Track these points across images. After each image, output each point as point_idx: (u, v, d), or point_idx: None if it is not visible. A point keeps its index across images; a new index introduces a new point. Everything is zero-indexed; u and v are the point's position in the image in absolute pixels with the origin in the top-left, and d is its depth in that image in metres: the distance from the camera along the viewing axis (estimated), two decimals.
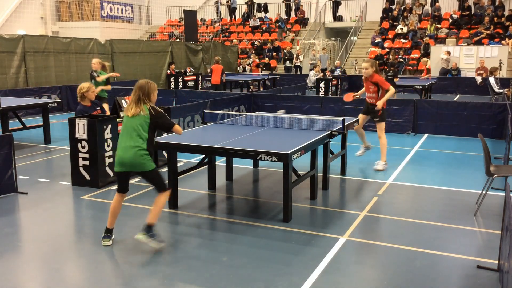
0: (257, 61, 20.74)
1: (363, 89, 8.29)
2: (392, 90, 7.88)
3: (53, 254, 4.78)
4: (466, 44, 22.53)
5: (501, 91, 15.66)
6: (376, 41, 24.98)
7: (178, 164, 7.02)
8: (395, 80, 15.38)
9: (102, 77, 10.51)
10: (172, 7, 31.21)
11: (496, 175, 5.79)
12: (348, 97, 8.44)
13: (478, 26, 23.67)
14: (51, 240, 5.13)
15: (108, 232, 5.02)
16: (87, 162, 6.89)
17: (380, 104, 7.84)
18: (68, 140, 7.10)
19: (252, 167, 8.08)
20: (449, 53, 21.44)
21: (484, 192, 6.05)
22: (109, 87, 10.64)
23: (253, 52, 23.98)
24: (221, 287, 4.12)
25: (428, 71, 16.36)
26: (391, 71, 15.19)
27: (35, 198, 6.49)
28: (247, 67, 24.75)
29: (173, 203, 6.08)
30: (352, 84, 21.34)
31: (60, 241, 5.12)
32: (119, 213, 5.05)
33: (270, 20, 29.76)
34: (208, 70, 19.27)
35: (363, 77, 8.10)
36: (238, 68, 25.15)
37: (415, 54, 23.68)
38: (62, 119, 13.34)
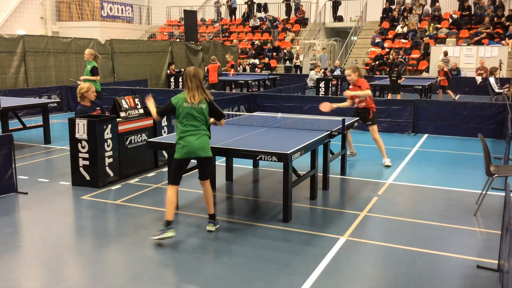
0: (233, 61, 20.48)
1: (347, 102, 8.33)
2: (368, 92, 8.10)
3: (53, 254, 4.78)
4: (466, 44, 22.54)
5: (501, 91, 15.66)
6: (376, 41, 24.99)
7: None
8: (399, 81, 15.36)
9: (83, 77, 10.82)
10: (172, 7, 31.22)
11: (496, 175, 5.79)
12: (326, 106, 7.88)
13: (478, 26, 23.68)
14: (51, 240, 5.13)
15: (168, 224, 5.02)
16: (87, 162, 6.89)
17: (349, 93, 8.08)
18: (68, 140, 7.10)
19: (252, 167, 8.08)
20: (446, 53, 21.44)
21: (484, 192, 6.05)
22: (97, 78, 10.71)
23: (229, 53, 22.89)
24: (221, 287, 4.13)
25: (446, 73, 16.09)
26: (395, 72, 15.16)
27: (35, 198, 6.49)
28: (247, 67, 24.76)
29: None
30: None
31: (60, 241, 5.12)
32: (177, 202, 5.36)
33: (271, 16, 29.73)
34: (205, 70, 19.32)
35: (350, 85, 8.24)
36: (238, 68, 25.16)
37: (415, 54, 23.69)
38: (62, 119, 13.34)
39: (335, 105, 8.12)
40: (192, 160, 5.24)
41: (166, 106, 5.20)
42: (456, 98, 16.21)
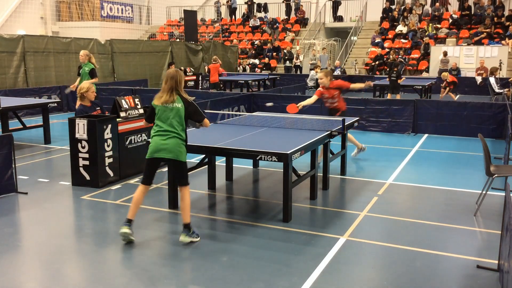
0: (219, 63, 19.71)
1: (310, 99, 8.17)
2: (356, 84, 8.56)
3: (53, 254, 4.78)
4: (466, 44, 22.53)
5: (501, 91, 15.66)
6: (376, 41, 24.99)
7: None
8: (399, 81, 15.36)
9: (73, 86, 10.85)
10: (172, 7, 31.21)
11: (496, 175, 5.79)
12: (293, 108, 7.70)
13: (478, 26, 23.67)
14: (51, 240, 5.13)
15: (129, 222, 5.07)
16: (87, 162, 6.89)
17: (357, 86, 8.73)
18: (68, 140, 7.10)
19: (252, 167, 8.08)
20: (446, 53, 21.44)
21: (484, 192, 6.05)
22: (96, 80, 10.71)
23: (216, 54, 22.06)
24: (221, 287, 4.13)
25: (453, 81, 16.25)
26: (394, 72, 15.15)
27: (35, 198, 6.48)
28: (247, 67, 24.76)
29: (173, 203, 6.09)
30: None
31: (60, 241, 5.12)
32: (141, 204, 5.20)
33: (270, 18, 29.75)
34: (206, 70, 19.32)
35: (320, 87, 8.20)
36: (238, 68, 25.16)
37: (415, 54, 23.68)
38: (62, 119, 13.34)
39: (299, 105, 7.83)
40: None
41: (149, 109, 5.20)
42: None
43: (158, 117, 5.05)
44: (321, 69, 20.90)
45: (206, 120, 5.25)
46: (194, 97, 5.22)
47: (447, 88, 16.51)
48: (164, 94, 5.01)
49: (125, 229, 4.99)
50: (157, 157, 5.04)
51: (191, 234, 5.03)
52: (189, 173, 6.72)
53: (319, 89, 8.22)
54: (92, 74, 10.66)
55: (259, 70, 24.79)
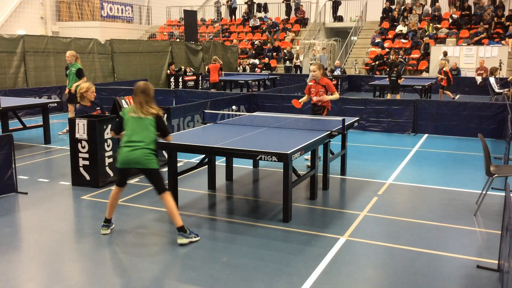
0: (220, 63, 19.42)
1: (306, 96, 8.32)
2: (337, 95, 8.23)
3: (53, 254, 4.78)
4: (466, 44, 22.53)
5: (501, 91, 15.66)
6: (376, 41, 24.99)
7: (178, 164, 7.03)
8: (399, 81, 15.35)
9: (74, 85, 10.43)
10: (172, 7, 31.21)
11: (496, 175, 5.79)
12: (296, 103, 8.33)
13: (478, 26, 23.67)
14: (51, 240, 5.13)
15: (107, 221, 5.30)
16: (87, 162, 6.89)
17: (325, 97, 8.01)
18: (68, 140, 7.10)
19: (252, 167, 8.08)
20: (446, 53, 21.43)
21: (484, 192, 6.05)
22: (84, 79, 10.65)
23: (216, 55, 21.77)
24: (221, 287, 4.13)
25: (447, 73, 15.87)
26: (395, 72, 15.14)
27: (35, 198, 6.49)
28: (247, 67, 24.76)
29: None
30: (352, 84, 21.36)
31: (60, 241, 5.12)
32: (116, 205, 5.35)
33: (270, 20, 29.76)
34: (206, 69, 19.31)
35: (309, 81, 8.26)
36: (238, 68, 25.16)
37: (415, 54, 23.69)
38: (62, 119, 13.34)
39: (301, 101, 8.35)
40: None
41: (118, 120, 5.26)
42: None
43: (128, 128, 5.06)
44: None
45: (169, 137, 5.29)
46: (165, 113, 5.26)
47: (441, 91, 16.35)
48: (135, 107, 5.05)
49: (104, 231, 5.25)
50: (131, 168, 5.13)
51: (188, 234, 5.03)
52: (189, 173, 6.76)
53: (308, 83, 8.31)
54: (79, 74, 10.62)
55: (259, 70, 24.79)
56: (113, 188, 5.31)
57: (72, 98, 10.74)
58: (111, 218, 5.30)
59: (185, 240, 4.98)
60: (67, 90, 11.03)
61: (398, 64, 16.02)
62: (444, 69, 16.25)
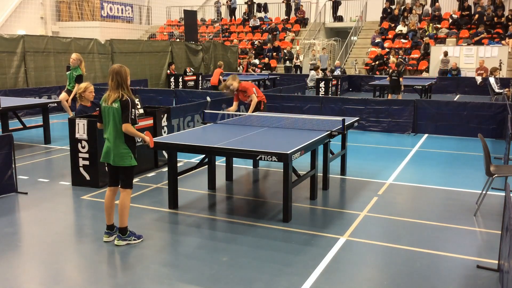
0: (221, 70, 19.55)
1: (234, 105, 8.58)
2: (255, 98, 8.41)
3: (53, 254, 4.78)
4: (466, 44, 22.53)
5: (501, 91, 15.65)
6: (376, 41, 24.99)
7: (178, 164, 7.03)
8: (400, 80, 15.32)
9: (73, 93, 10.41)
10: (172, 7, 31.20)
11: (496, 175, 5.79)
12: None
13: (478, 26, 23.66)
14: (51, 240, 5.13)
15: (109, 228, 5.08)
16: (87, 162, 6.89)
17: (250, 111, 8.34)
18: (68, 140, 7.10)
19: (252, 167, 8.08)
20: (446, 53, 21.43)
21: (484, 192, 6.05)
22: (77, 86, 10.59)
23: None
24: (221, 287, 4.13)
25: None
26: (395, 72, 15.12)
27: (35, 198, 6.48)
28: (250, 70, 24.74)
29: (173, 203, 6.08)
30: (352, 84, 21.35)
31: (60, 241, 5.12)
32: (114, 208, 5.07)
33: (270, 20, 29.75)
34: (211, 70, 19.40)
35: (234, 93, 8.55)
36: (238, 68, 25.14)
37: (415, 54, 23.68)
38: (62, 119, 13.33)
39: (230, 109, 8.57)
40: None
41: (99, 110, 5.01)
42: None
43: (103, 117, 4.88)
44: (321, 69, 20.93)
45: (127, 125, 4.76)
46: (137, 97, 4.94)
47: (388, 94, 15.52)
48: (112, 94, 4.74)
49: (106, 238, 5.03)
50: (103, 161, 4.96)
51: (127, 237, 4.96)
52: (189, 173, 6.76)
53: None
54: (78, 80, 10.28)
55: (259, 70, 24.79)
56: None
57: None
58: (112, 223, 5.05)
59: (121, 242, 4.94)
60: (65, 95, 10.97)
61: (399, 64, 16.02)
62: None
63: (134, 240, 4.99)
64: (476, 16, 24.24)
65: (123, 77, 4.76)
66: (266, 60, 25.65)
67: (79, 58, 10.56)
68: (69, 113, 10.80)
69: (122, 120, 4.76)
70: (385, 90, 16.32)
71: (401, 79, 15.21)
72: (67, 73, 10.96)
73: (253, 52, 26.52)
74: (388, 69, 17.40)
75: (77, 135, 6.89)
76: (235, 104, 8.55)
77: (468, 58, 21.71)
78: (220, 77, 17.82)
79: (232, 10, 30.60)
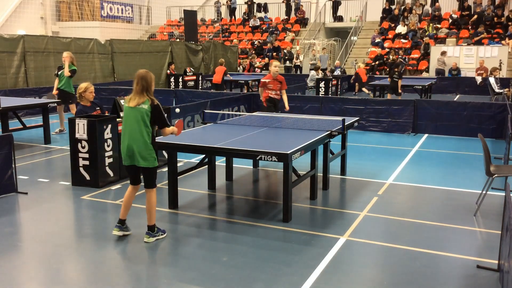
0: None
1: (261, 91, 9.49)
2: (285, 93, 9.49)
3: (53, 254, 4.78)
4: (466, 44, 22.53)
5: (501, 91, 15.65)
6: (376, 41, 24.98)
7: (178, 164, 7.03)
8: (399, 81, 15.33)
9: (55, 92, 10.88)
10: (172, 7, 31.20)
11: (496, 175, 5.79)
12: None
13: (478, 26, 23.65)
14: (51, 240, 5.13)
15: (120, 222, 5.17)
16: (87, 162, 6.89)
17: (286, 104, 9.47)
18: (68, 140, 7.10)
19: (252, 167, 8.08)
20: (444, 53, 21.40)
21: (484, 192, 6.05)
22: (68, 74, 10.84)
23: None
24: (221, 287, 4.13)
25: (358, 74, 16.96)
26: (396, 73, 15.10)
27: (35, 198, 6.48)
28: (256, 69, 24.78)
29: (173, 203, 6.09)
30: (352, 84, 21.32)
31: (60, 241, 5.12)
32: (131, 205, 5.22)
33: (270, 20, 29.75)
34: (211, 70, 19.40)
35: (262, 80, 9.39)
36: (238, 68, 25.15)
37: (415, 54, 23.68)
38: None
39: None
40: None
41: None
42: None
43: (124, 117, 4.98)
44: (321, 69, 20.93)
45: (166, 129, 5.03)
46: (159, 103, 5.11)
47: (356, 84, 17.14)
48: (137, 97, 4.87)
49: (115, 231, 5.13)
50: (128, 164, 5.03)
51: (157, 234, 5.11)
52: (189, 173, 6.76)
53: (262, 80, 9.33)
54: (73, 74, 10.87)
55: (259, 70, 24.79)
56: (121, 188, 5.24)
57: (63, 98, 10.85)
58: (125, 219, 5.16)
59: (151, 240, 5.05)
60: (55, 91, 11.09)
61: (399, 64, 16.00)
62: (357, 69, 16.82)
63: (161, 234, 5.14)
64: (476, 16, 24.24)
65: (148, 82, 4.92)
66: (266, 60, 25.65)
67: (71, 56, 10.86)
68: (61, 125, 11.03)
69: (160, 125, 4.98)
70: (385, 90, 16.31)
71: (399, 81, 15.18)
72: (59, 73, 11.01)
73: (253, 52, 26.54)
74: (388, 69, 17.39)
75: (77, 135, 6.89)
76: (261, 90, 9.44)
77: (468, 58, 21.70)
78: (228, 75, 17.88)
79: (232, 10, 30.60)
